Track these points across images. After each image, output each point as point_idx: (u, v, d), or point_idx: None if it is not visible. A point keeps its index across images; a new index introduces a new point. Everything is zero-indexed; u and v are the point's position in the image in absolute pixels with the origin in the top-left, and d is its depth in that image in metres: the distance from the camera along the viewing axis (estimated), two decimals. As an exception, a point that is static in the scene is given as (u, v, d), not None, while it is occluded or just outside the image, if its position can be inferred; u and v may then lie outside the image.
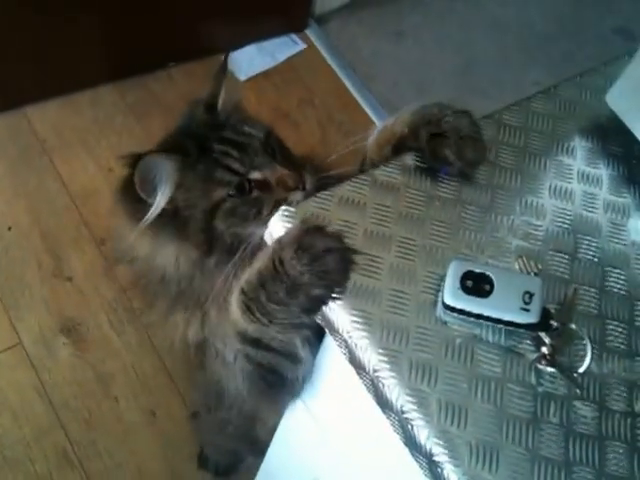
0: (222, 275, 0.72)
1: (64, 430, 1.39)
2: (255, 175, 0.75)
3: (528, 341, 0.60)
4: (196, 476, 1.39)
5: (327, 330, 0.61)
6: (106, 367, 1.47)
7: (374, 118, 1.88)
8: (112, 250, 1.43)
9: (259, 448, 1.07)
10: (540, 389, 0.58)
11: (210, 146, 0.75)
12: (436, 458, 0.54)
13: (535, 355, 0.59)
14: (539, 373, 0.59)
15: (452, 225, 0.66)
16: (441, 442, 0.55)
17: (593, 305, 0.63)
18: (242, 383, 0.74)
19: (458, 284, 0.59)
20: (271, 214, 0.72)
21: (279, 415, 0.87)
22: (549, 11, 2.18)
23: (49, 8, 1.55)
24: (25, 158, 1.69)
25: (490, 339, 0.60)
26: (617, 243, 0.68)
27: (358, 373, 0.59)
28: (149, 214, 0.71)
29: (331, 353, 0.69)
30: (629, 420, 0.58)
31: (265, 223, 0.66)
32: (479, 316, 0.59)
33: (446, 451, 0.54)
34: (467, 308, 0.59)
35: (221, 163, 0.74)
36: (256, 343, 0.67)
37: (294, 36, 2.01)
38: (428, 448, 0.55)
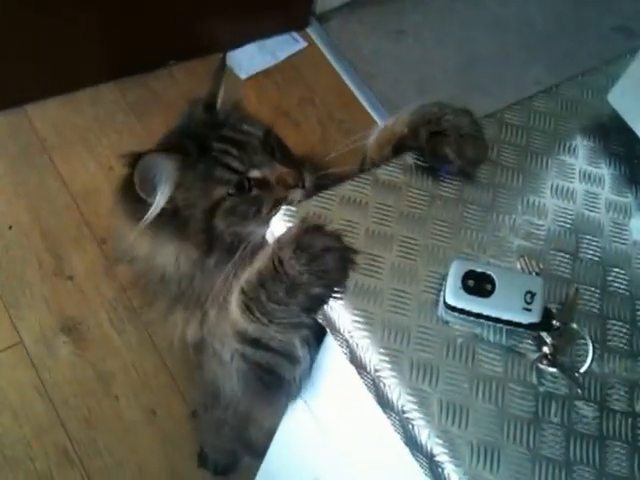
0: (222, 275, 0.72)
1: (64, 429, 1.39)
2: (254, 173, 0.75)
3: (529, 341, 0.60)
4: (196, 475, 1.39)
5: (328, 330, 0.61)
6: (106, 366, 1.47)
7: (375, 117, 1.88)
8: (112, 249, 1.43)
9: (254, 450, 1.07)
10: (541, 389, 0.58)
11: (209, 145, 0.74)
12: (437, 458, 0.54)
13: (536, 355, 0.59)
14: (540, 373, 0.59)
15: (454, 224, 0.66)
16: (442, 442, 0.54)
17: (595, 305, 0.63)
18: (237, 383, 0.74)
19: (459, 284, 0.59)
20: (271, 213, 0.72)
21: (274, 418, 0.87)
22: (549, 10, 2.18)
23: (49, 8, 1.54)
24: (25, 157, 1.69)
25: (491, 339, 0.60)
26: (619, 243, 0.68)
27: (359, 373, 0.59)
28: (149, 214, 0.71)
29: (332, 353, 0.69)
30: (630, 420, 0.58)
31: (265, 222, 0.66)
32: (480, 316, 0.59)
33: (447, 451, 0.54)
34: (468, 308, 0.59)
35: (220, 162, 0.74)
36: (255, 343, 0.67)
37: (295, 34, 2.00)
38: (429, 448, 0.55)
